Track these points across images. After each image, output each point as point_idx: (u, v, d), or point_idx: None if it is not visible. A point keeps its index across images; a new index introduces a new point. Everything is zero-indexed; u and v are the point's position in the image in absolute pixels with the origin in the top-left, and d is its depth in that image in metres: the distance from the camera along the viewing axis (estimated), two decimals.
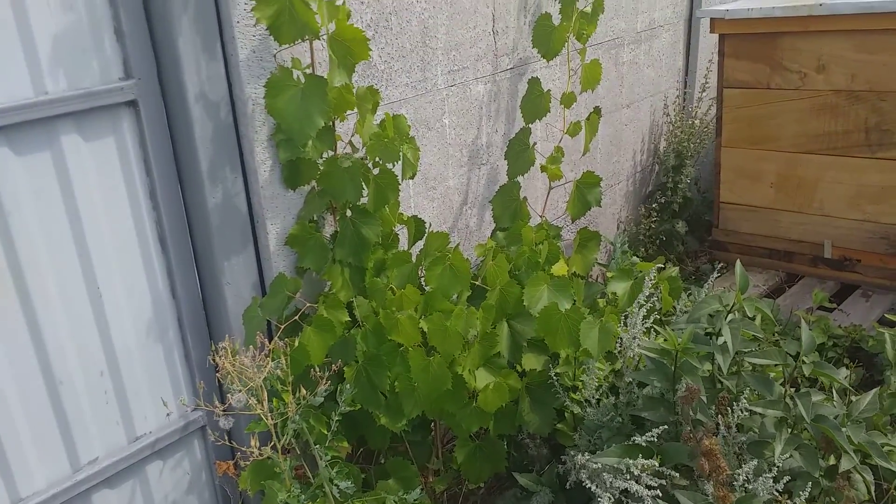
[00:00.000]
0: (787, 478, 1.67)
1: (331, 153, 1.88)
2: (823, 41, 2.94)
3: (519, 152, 2.42)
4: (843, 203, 3.10)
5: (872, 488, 1.83)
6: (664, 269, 2.47)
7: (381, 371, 1.80)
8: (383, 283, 1.92)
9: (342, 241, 1.89)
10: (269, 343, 1.64)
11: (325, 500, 1.69)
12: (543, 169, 2.51)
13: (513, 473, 2.04)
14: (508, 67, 2.56)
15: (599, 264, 3.00)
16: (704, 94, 3.78)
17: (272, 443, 1.63)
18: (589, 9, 2.45)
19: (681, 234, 3.55)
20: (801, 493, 1.64)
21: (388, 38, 2.08)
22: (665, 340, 1.88)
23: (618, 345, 2.13)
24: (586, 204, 2.43)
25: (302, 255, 1.88)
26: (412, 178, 2.04)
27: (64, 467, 1.72)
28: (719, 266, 2.69)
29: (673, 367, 1.85)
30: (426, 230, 2.10)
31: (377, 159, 1.88)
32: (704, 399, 1.81)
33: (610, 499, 1.67)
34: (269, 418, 1.59)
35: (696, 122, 3.67)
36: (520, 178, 2.44)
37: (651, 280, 2.17)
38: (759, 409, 1.79)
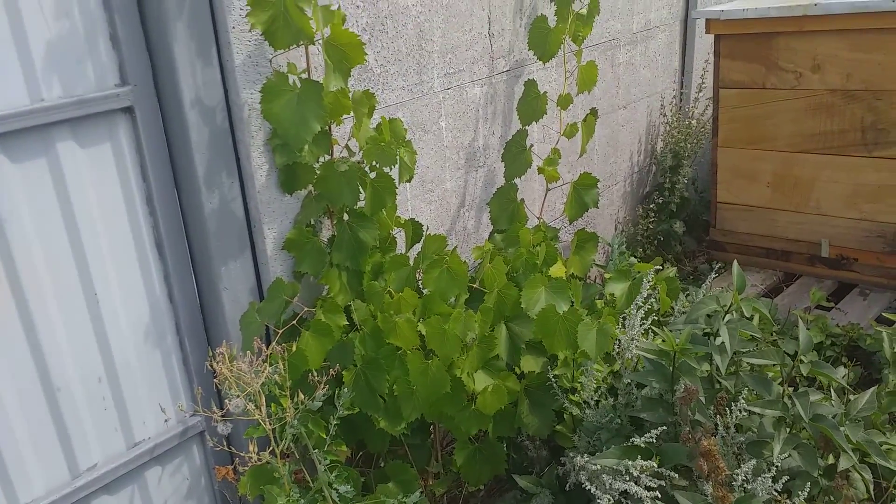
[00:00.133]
0: (785, 477, 1.67)
1: (327, 157, 1.88)
2: (818, 41, 2.95)
3: (516, 154, 2.43)
4: (840, 202, 3.11)
5: (871, 487, 1.83)
6: (662, 269, 2.48)
7: (379, 374, 1.80)
8: (381, 287, 1.92)
9: (339, 245, 1.90)
10: (267, 348, 1.64)
11: None
12: (540, 171, 2.52)
13: (512, 475, 2.04)
14: (505, 70, 2.56)
15: (597, 265, 3.00)
16: (701, 94, 3.79)
17: (271, 448, 1.63)
18: (584, 10, 2.45)
19: (678, 235, 3.55)
20: (800, 492, 1.64)
21: (383, 41, 2.08)
22: (663, 341, 1.88)
23: (616, 346, 2.14)
24: (583, 205, 2.43)
25: (299, 260, 1.88)
26: (409, 181, 2.04)
27: (63, 474, 1.72)
28: (717, 266, 2.70)
29: (671, 368, 1.85)
30: (423, 233, 2.11)
31: (374, 163, 1.89)
32: (703, 399, 1.81)
33: (609, 500, 1.67)
34: (268, 423, 1.59)
35: (693, 122, 3.68)
36: (517, 180, 2.44)
37: (649, 281, 2.17)
38: (757, 409, 1.80)
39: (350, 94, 1.80)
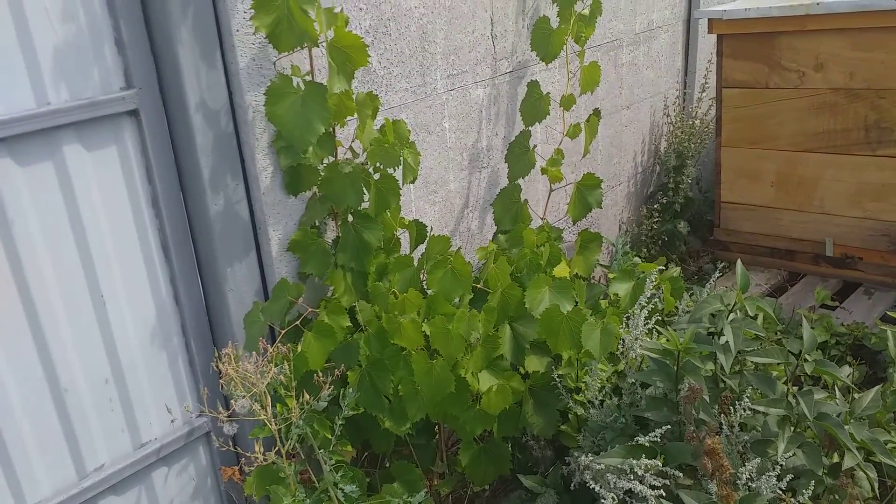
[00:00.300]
0: (790, 476, 1.67)
1: (331, 159, 1.89)
2: (821, 40, 2.95)
3: (519, 155, 2.43)
4: (844, 201, 3.10)
5: (876, 485, 1.83)
6: (666, 269, 2.48)
7: (384, 375, 1.81)
8: (385, 288, 1.92)
9: (344, 247, 1.90)
10: (272, 348, 1.65)
11: None
12: (544, 171, 2.52)
13: (517, 475, 2.05)
14: (507, 71, 2.57)
15: (602, 265, 3.00)
16: (704, 94, 3.79)
17: (276, 448, 1.64)
18: (587, 11, 2.46)
19: (683, 235, 3.55)
20: (804, 491, 1.64)
21: (386, 43, 2.09)
22: (667, 341, 1.88)
23: (620, 346, 2.14)
24: (587, 206, 2.44)
25: (304, 261, 1.89)
26: (413, 182, 2.05)
27: (70, 474, 1.73)
28: (721, 265, 2.70)
29: (675, 367, 1.86)
30: (428, 234, 2.11)
31: (378, 164, 1.90)
32: (707, 398, 1.82)
33: (614, 499, 1.68)
34: (273, 423, 1.60)
35: (697, 122, 3.68)
36: (520, 181, 2.45)
37: (652, 281, 2.17)
38: (761, 408, 1.80)
39: (354, 96, 1.81)
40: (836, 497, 1.77)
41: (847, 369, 2.10)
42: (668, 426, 1.77)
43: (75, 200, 1.61)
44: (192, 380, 1.92)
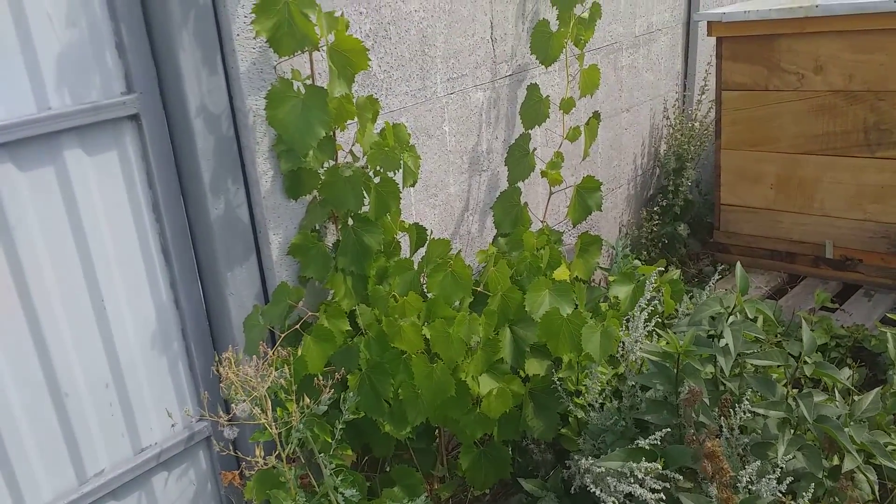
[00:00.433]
0: (790, 479, 1.67)
1: (332, 163, 1.90)
2: (820, 42, 2.95)
3: (519, 158, 2.44)
4: (844, 203, 3.11)
5: (876, 488, 1.83)
6: (666, 272, 2.48)
7: (384, 379, 1.81)
8: (386, 291, 1.93)
9: (344, 250, 1.91)
10: (272, 352, 1.65)
11: None
12: (544, 174, 2.52)
13: (518, 479, 2.05)
14: (507, 74, 2.57)
15: (602, 268, 3.00)
16: (704, 96, 3.79)
17: (277, 452, 1.64)
18: (586, 14, 2.47)
19: (683, 237, 3.56)
20: (804, 493, 1.64)
21: (387, 47, 2.09)
22: (667, 343, 1.88)
23: (620, 348, 2.14)
24: (587, 208, 2.44)
25: (304, 265, 1.89)
26: (413, 185, 2.05)
27: (70, 479, 1.73)
28: (721, 268, 2.70)
29: (675, 370, 1.86)
30: (428, 237, 2.12)
31: (378, 168, 1.90)
32: (707, 401, 1.82)
33: (614, 502, 1.68)
34: (274, 427, 1.60)
35: (696, 124, 3.68)
36: (520, 184, 2.45)
37: (652, 284, 2.17)
38: (761, 411, 1.80)
39: (354, 100, 1.82)
40: (837, 500, 1.77)
41: (847, 371, 2.10)
42: (669, 429, 1.77)
43: (76, 205, 1.62)
44: (192, 384, 1.93)
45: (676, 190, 3.56)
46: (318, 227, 1.97)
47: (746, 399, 1.80)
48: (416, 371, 1.80)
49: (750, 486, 1.67)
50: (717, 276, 2.56)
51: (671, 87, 3.69)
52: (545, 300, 1.98)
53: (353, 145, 1.99)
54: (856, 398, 1.94)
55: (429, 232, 2.17)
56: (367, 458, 2.14)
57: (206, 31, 1.66)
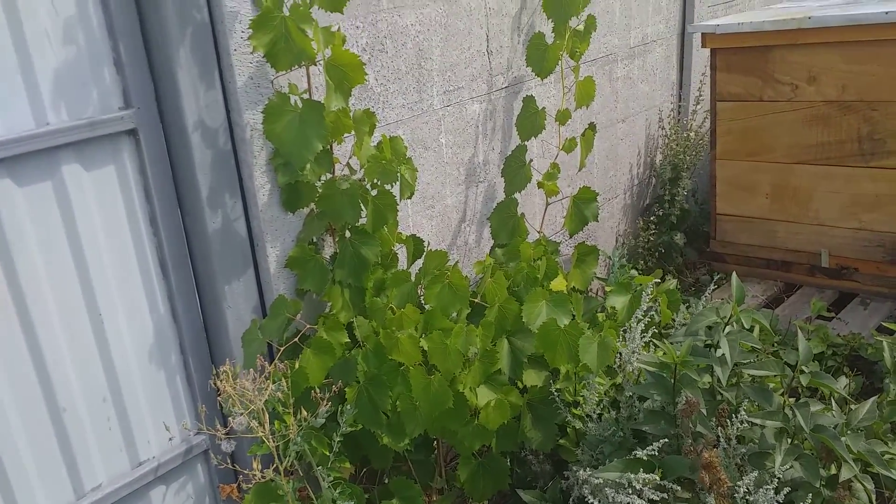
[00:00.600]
0: (787, 489, 1.67)
1: (329, 176, 1.91)
2: (813, 53, 2.98)
3: (516, 169, 2.45)
4: (839, 212, 3.12)
5: (874, 497, 1.83)
6: (662, 282, 2.49)
7: (382, 391, 1.81)
8: (383, 303, 1.93)
9: (342, 262, 1.91)
10: (270, 365, 1.66)
11: None
12: (540, 185, 2.54)
13: (516, 490, 2.05)
14: (503, 86, 2.59)
15: (599, 278, 3.01)
16: (699, 106, 3.82)
17: (275, 465, 1.64)
18: (581, 27, 2.49)
19: (679, 246, 3.57)
20: (802, 503, 1.64)
21: (383, 61, 2.11)
22: (664, 354, 1.89)
23: (617, 359, 2.14)
24: (583, 219, 2.45)
25: (302, 277, 1.90)
26: (410, 197, 2.06)
27: (68, 494, 1.73)
28: (717, 277, 2.71)
29: (672, 381, 1.86)
30: (425, 249, 2.12)
31: (375, 181, 1.91)
32: (704, 411, 1.82)
33: None
34: (271, 440, 1.60)
35: (692, 134, 3.70)
36: (517, 195, 2.46)
37: (649, 294, 2.18)
38: (758, 421, 1.80)
39: (351, 114, 1.83)
40: None
41: (843, 380, 2.11)
42: (666, 439, 1.77)
43: (74, 220, 1.62)
44: (190, 397, 1.93)
45: (672, 199, 3.57)
46: (315, 240, 1.98)
47: (743, 409, 1.81)
48: (414, 383, 1.81)
49: (747, 497, 1.67)
50: (713, 286, 2.57)
51: (666, 97, 3.71)
52: (542, 311, 1.99)
53: (350, 158, 2.00)
54: (852, 407, 1.95)
55: (426, 243, 2.17)
56: (365, 470, 2.14)
57: (204, 46, 1.68)
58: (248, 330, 1.84)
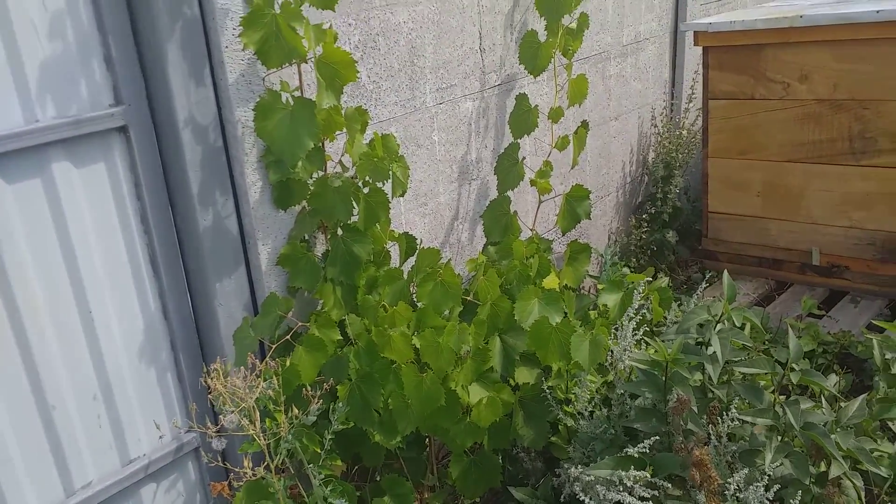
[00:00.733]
0: (777, 486, 1.68)
1: (321, 173, 1.90)
2: (805, 52, 2.99)
3: (508, 167, 2.45)
4: (830, 210, 3.14)
5: (863, 494, 1.84)
6: (654, 279, 2.49)
7: (374, 388, 1.81)
8: (375, 301, 1.93)
9: (333, 260, 1.91)
10: (261, 363, 1.65)
11: None
12: (533, 183, 2.54)
13: (508, 487, 2.05)
14: (496, 84, 2.59)
15: (591, 276, 3.02)
16: (691, 104, 3.83)
17: (265, 463, 1.64)
18: (574, 25, 2.49)
19: (671, 244, 3.58)
20: (791, 500, 1.65)
21: (375, 58, 2.10)
22: (655, 351, 1.89)
23: (609, 357, 2.15)
24: (576, 217, 2.45)
25: (293, 275, 1.89)
26: (402, 195, 2.06)
27: (57, 492, 1.72)
28: (709, 275, 2.72)
29: (664, 378, 1.87)
30: (417, 246, 2.12)
31: (367, 178, 1.90)
32: (695, 409, 1.83)
33: None
34: (262, 438, 1.59)
35: (684, 132, 3.71)
36: (510, 193, 2.46)
37: (640, 292, 2.19)
38: (749, 418, 1.81)
39: (343, 111, 1.83)
40: None
41: (833, 378, 2.12)
42: (657, 437, 1.78)
43: (64, 217, 1.61)
44: (180, 395, 1.92)
45: (665, 197, 3.58)
46: (307, 238, 1.98)
47: (734, 406, 1.81)
48: (406, 381, 1.81)
49: (738, 494, 1.68)
50: (704, 284, 2.58)
51: (659, 95, 3.72)
52: (534, 309, 1.99)
53: (342, 156, 2.00)
54: (842, 405, 1.96)
55: (419, 241, 2.17)
56: (357, 467, 2.14)
57: (195, 43, 1.67)
58: (239, 327, 1.84)
